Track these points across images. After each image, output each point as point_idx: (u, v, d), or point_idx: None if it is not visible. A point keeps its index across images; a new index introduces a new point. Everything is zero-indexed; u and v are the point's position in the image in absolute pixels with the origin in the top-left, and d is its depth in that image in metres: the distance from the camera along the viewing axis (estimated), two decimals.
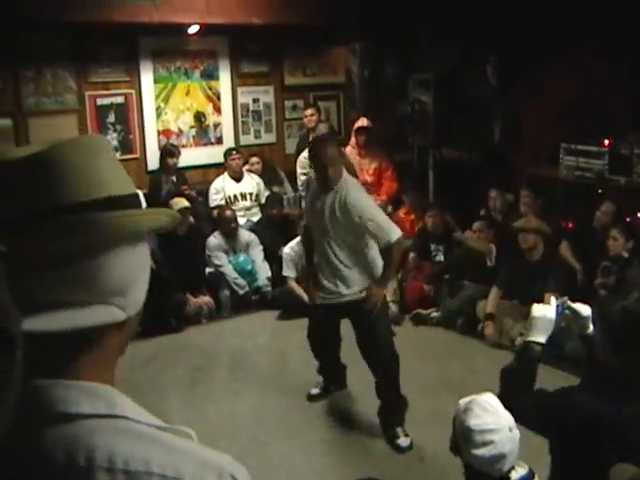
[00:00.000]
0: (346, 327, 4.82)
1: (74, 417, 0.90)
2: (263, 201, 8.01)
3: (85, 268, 0.94)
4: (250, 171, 8.20)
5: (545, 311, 2.63)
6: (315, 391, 5.26)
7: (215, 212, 7.66)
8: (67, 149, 0.97)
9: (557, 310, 2.64)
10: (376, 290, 4.54)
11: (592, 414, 2.29)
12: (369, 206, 4.50)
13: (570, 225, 6.73)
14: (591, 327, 2.65)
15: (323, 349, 5.08)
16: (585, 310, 2.67)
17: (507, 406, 2.49)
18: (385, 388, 4.68)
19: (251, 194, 8.03)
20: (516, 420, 2.46)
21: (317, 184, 4.56)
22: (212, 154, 8.43)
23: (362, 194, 4.60)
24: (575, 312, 2.66)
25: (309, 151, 4.78)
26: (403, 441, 4.56)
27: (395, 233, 4.46)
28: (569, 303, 2.68)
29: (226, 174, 8.00)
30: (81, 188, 0.95)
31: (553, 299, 2.69)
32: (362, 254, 4.56)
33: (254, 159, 8.33)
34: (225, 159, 8.05)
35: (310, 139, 7.74)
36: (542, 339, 2.61)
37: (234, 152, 8.05)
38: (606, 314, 2.36)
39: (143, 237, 1.04)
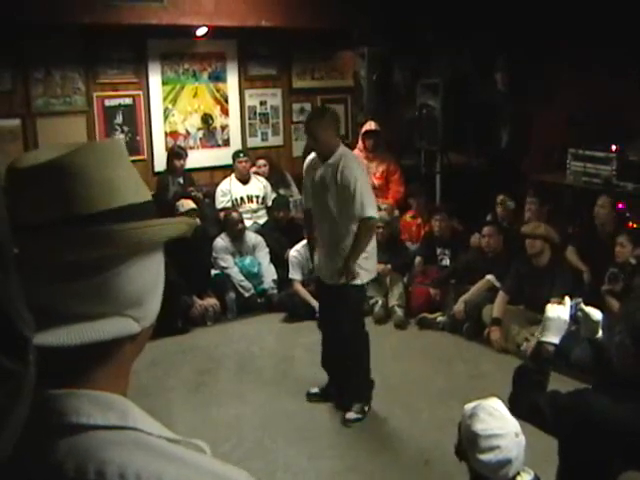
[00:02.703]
0: None
1: (86, 428, 0.88)
2: (270, 203, 8.02)
3: (101, 280, 0.93)
4: (257, 174, 8.20)
5: (559, 312, 2.61)
6: (314, 390, 5.26)
7: (222, 214, 7.67)
8: (84, 156, 0.95)
9: (570, 311, 2.62)
10: (346, 264, 4.68)
11: (608, 418, 2.28)
12: (360, 179, 4.67)
13: (576, 231, 6.71)
14: (600, 332, 2.64)
15: (325, 334, 5.16)
16: (597, 314, 2.65)
17: (518, 406, 2.48)
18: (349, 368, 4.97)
19: (258, 196, 8.04)
20: (528, 420, 2.45)
21: (316, 159, 4.78)
22: (219, 156, 8.44)
23: (358, 166, 4.80)
24: (587, 315, 2.64)
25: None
26: (351, 414, 4.90)
27: (371, 211, 4.66)
28: (582, 305, 2.66)
29: (233, 176, 8.01)
30: (98, 197, 0.94)
31: (567, 299, 2.67)
32: (349, 234, 4.69)
33: (261, 162, 8.34)
34: (233, 161, 8.06)
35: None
36: (555, 340, 2.60)
37: (241, 155, 8.06)
38: (631, 319, 2.34)
39: (159, 247, 1.03)
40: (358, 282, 4.79)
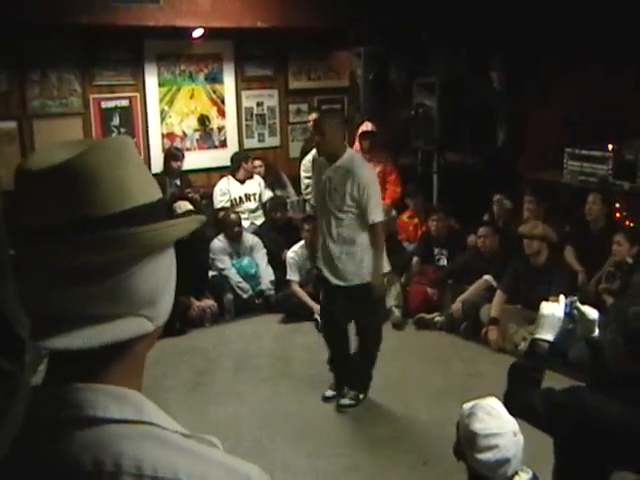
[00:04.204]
0: None
1: (102, 421, 0.90)
2: (265, 200, 8.04)
3: (115, 282, 0.94)
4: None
5: (554, 309, 2.62)
6: (330, 393, 5.26)
7: (220, 214, 7.68)
8: (96, 157, 0.95)
9: (565, 309, 2.63)
10: (375, 278, 4.89)
11: (603, 418, 2.28)
12: (372, 184, 4.81)
13: (573, 230, 6.72)
14: (597, 331, 2.65)
15: (332, 333, 5.19)
16: (592, 313, 2.65)
17: (513, 403, 2.48)
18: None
19: (254, 194, 8.06)
20: (522, 418, 2.45)
21: (322, 160, 4.88)
22: (216, 157, 8.44)
23: (371, 171, 4.97)
24: (582, 314, 2.65)
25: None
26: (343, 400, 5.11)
27: (380, 216, 4.86)
28: (578, 304, 2.67)
29: (230, 176, 8.01)
30: (111, 199, 0.94)
31: (562, 297, 2.68)
32: (359, 235, 4.82)
33: (257, 162, 8.34)
34: (237, 162, 8.03)
35: (314, 143, 7.80)
36: (550, 337, 2.60)
37: (249, 157, 8.10)
38: (623, 317, 2.34)
39: (170, 245, 1.04)
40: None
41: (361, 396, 5.14)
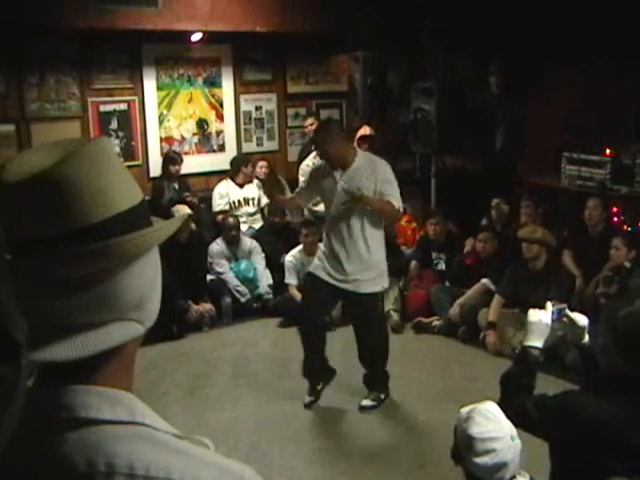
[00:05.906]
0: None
1: (94, 422, 0.90)
2: (263, 204, 8.03)
3: (102, 290, 0.94)
4: (256, 177, 8.20)
5: (541, 316, 2.65)
6: (308, 399, 5.20)
7: (219, 217, 7.67)
8: (75, 166, 0.93)
9: (553, 316, 2.66)
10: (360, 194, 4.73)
11: (595, 419, 2.28)
12: (393, 176, 4.90)
13: (572, 234, 6.73)
14: (587, 337, 2.67)
15: (313, 330, 5.09)
16: (582, 320, 2.68)
17: (507, 409, 2.49)
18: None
19: (253, 199, 8.05)
20: (516, 423, 2.46)
21: (323, 166, 4.91)
22: (214, 161, 8.44)
23: (388, 166, 4.97)
24: (572, 321, 2.68)
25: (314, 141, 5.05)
26: (365, 401, 5.12)
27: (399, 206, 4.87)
28: (567, 311, 2.69)
29: (229, 179, 8.00)
30: (92, 209, 0.93)
31: (549, 304, 2.71)
32: (374, 236, 4.86)
33: (263, 163, 8.32)
34: (237, 166, 8.03)
35: (312, 147, 7.81)
36: (539, 343, 2.63)
37: (249, 161, 8.11)
38: (614, 319, 2.36)
39: (155, 248, 1.04)
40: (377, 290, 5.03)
41: (382, 396, 5.16)
